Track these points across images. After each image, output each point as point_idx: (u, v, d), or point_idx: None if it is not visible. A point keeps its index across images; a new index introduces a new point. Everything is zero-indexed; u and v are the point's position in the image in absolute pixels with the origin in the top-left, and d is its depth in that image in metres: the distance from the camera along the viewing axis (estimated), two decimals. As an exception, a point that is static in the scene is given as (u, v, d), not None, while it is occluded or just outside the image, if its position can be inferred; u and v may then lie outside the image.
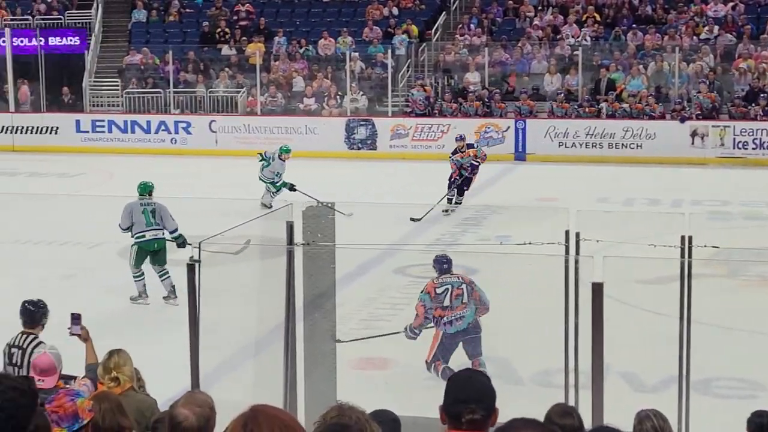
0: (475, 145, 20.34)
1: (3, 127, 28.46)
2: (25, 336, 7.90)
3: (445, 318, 9.82)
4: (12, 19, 31.34)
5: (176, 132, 27.93)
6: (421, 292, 9.97)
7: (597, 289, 6.57)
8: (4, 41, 29.30)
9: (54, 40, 30.06)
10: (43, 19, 31.40)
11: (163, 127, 28.06)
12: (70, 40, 30.17)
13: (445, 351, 9.88)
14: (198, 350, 6.96)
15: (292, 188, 18.90)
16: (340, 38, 29.97)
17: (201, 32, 31.21)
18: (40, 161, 25.45)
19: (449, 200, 19.13)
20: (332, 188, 18.57)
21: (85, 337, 7.73)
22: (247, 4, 31.85)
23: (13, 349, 7.88)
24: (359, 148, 27.13)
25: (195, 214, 15.09)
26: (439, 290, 9.83)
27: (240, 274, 8.36)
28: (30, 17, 31.55)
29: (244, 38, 30.70)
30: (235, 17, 31.57)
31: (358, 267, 13.10)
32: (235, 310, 9.07)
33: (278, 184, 19.18)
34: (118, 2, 33.56)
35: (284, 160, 19.25)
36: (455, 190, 19.09)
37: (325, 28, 30.43)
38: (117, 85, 30.29)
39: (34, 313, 8.04)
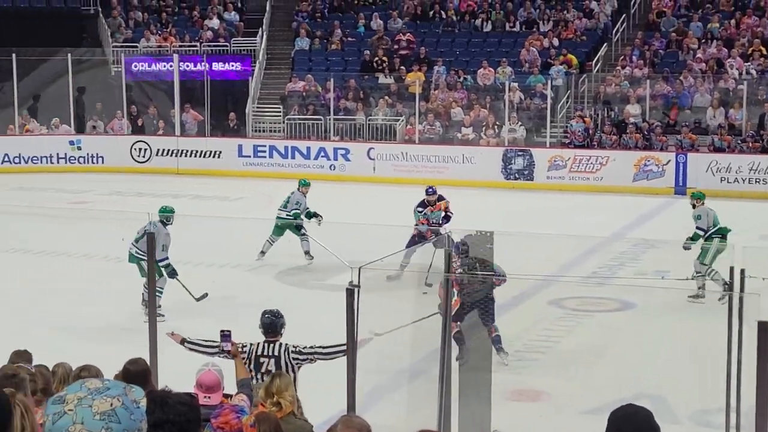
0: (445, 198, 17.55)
1: (169, 150, 29.30)
2: (270, 344, 8.23)
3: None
4: (180, 46, 32.28)
5: (335, 158, 28.30)
6: None
7: (764, 328, 6.38)
8: (172, 66, 30.20)
9: (220, 67, 30.85)
10: (209, 46, 32.26)
11: (322, 154, 28.48)
12: (235, 67, 30.93)
13: (458, 316, 10.55)
14: (355, 374, 7.02)
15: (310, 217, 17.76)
16: (500, 68, 29.94)
17: (362, 60, 31.61)
18: (202, 184, 26.08)
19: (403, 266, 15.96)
20: (488, 217, 18.53)
21: (235, 353, 7.93)
22: (408, 34, 32.14)
23: (263, 359, 8.21)
24: (516, 179, 27.02)
25: (352, 239, 15.26)
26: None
27: (398, 299, 8.41)
28: (197, 44, 32.46)
29: (404, 67, 30.97)
30: (396, 46, 31.89)
31: (512, 298, 13.03)
32: (391, 335, 9.12)
33: (305, 213, 17.86)
34: (282, 30, 34.28)
35: (304, 194, 18.15)
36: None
37: (485, 58, 30.47)
38: (279, 112, 30.91)
39: (275, 323, 8.46)
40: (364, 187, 26.26)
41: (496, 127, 28.37)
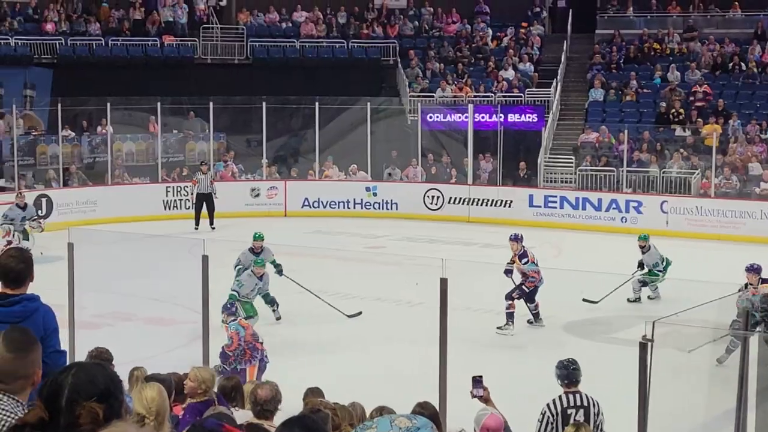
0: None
1: (461, 198, 29.73)
2: (574, 395, 8.26)
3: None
4: (475, 96, 32.82)
5: (626, 211, 27.90)
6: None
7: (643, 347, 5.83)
8: (466, 117, 30.70)
9: (513, 117, 31.10)
10: (504, 97, 32.63)
11: (614, 205, 28.15)
12: (529, 117, 31.10)
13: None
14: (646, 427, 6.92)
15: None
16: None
17: (657, 112, 31.12)
18: (493, 233, 26.26)
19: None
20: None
21: (486, 398, 7.88)
22: (705, 86, 31.41)
23: (569, 410, 8.22)
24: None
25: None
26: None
27: (692, 356, 8.22)
28: (492, 94, 32.90)
29: (700, 119, 30.25)
30: (692, 98, 31.22)
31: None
32: (684, 392, 8.92)
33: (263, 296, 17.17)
34: (576, 81, 34.26)
35: (253, 250, 17.76)
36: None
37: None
38: (571, 162, 30.82)
39: (573, 373, 8.44)
40: (657, 241, 25.72)
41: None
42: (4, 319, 5.38)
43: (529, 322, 17.22)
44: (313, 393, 8.36)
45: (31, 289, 5.70)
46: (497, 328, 16.57)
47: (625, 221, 27.79)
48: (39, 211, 23.81)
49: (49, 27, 33.07)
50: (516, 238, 17.65)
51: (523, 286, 17.00)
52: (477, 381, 7.81)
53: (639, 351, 6.87)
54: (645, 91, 32.54)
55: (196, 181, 27.56)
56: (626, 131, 29.46)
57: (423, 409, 7.40)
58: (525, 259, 17.36)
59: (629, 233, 26.78)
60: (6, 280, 5.57)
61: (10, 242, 21.73)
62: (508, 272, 17.33)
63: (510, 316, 16.70)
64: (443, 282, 9.42)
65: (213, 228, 26.86)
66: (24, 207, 23.25)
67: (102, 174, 29.92)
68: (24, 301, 5.49)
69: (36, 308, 5.52)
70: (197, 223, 27.02)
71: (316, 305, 17.85)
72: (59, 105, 29.25)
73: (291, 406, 7.20)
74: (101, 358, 8.25)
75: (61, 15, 33.62)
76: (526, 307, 17.05)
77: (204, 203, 27.24)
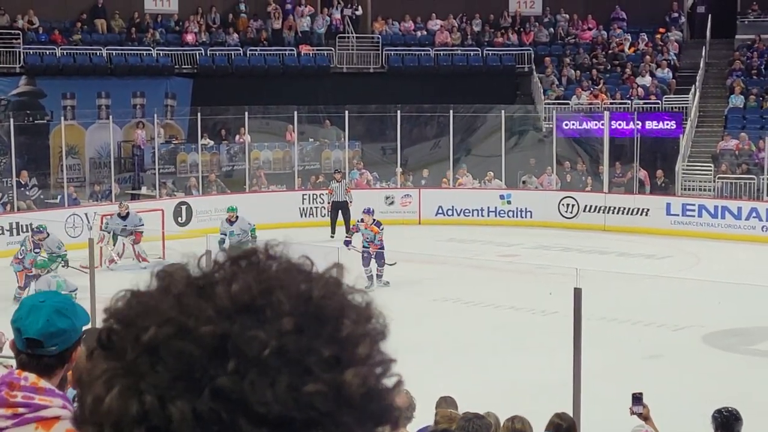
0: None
1: (596, 206, 29.41)
2: None
3: None
4: (611, 103, 32.47)
5: (767, 219, 27.25)
6: None
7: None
8: (602, 124, 30.39)
9: (650, 124, 30.67)
10: (641, 103, 32.22)
11: (754, 214, 27.50)
12: (666, 124, 30.63)
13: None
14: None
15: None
16: None
17: (800, 118, 30.39)
18: (629, 242, 25.98)
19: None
20: None
21: (646, 416, 7.67)
22: None
23: None
24: None
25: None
26: None
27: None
28: (628, 101, 32.50)
29: None
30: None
31: None
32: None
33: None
34: (715, 88, 33.64)
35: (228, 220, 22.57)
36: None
37: None
38: (710, 170, 30.24)
39: (731, 424, 7.81)
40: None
41: None
42: None
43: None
44: (446, 402, 8.39)
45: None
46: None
47: (766, 230, 27.14)
48: (140, 221, 23.80)
49: (190, 38, 33.88)
50: (368, 211, 21.55)
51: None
52: (637, 398, 7.59)
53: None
54: (787, 95, 31.79)
55: (332, 190, 27.88)
56: (767, 138, 28.77)
57: (561, 420, 7.36)
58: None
59: (770, 243, 26.25)
60: None
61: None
62: (348, 243, 21.06)
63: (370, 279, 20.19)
64: (577, 292, 9.37)
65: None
66: (126, 216, 23.51)
67: (240, 182, 30.50)
68: None
69: None
70: (333, 231, 27.30)
71: (445, 309, 17.92)
72: (199, 114, 29.97)
73: (422, 415, 7.20)
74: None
75: (201, 26, 34.42)
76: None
77: (339, 211, 27.52)
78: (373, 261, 20.82)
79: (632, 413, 7.64)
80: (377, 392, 1.07)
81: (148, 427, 1.02)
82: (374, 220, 21.46)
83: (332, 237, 27.00)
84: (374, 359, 1.08)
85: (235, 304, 1.06)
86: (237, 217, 22.56)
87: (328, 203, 28.12)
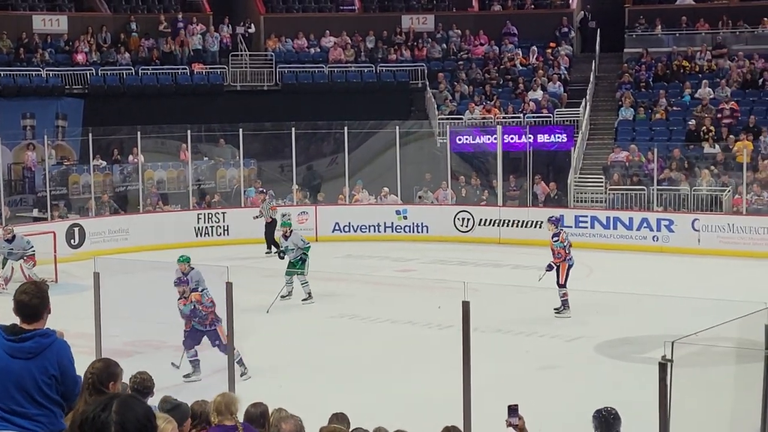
0: None
1: (491, 220, 29.68)
2: None
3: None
4: (504, 117, 32.83)
5: (658, 230, 27.75)
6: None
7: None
8: (496, 138, 30.68)
9: (542, 137, 31.05)
10: (533, 117, 32.61)
11: (645, 224, 28.00)
12: (558, 137, 31.04)
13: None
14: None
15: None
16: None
17: (687, 130, 31.00)
18: (524, 254, 26.22)
19: None
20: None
21: (521, 427, 7.73)
22: (732, 102, 31.29)
23: None
24: None
25: (666, 311, 14.92)
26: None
27: (714, 376, 8.17)
28: (521, 115, 32.88)
29: (731, 136, 30.10)
30: (719, 115, 31.09)
31: None
32: (706, 412, 8.86)
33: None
34: (605, 101, 34.20)
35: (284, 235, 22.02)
36: None
37: (819, 126, 29.18)
38: (601, 182, 30.72)
39: (610, 423, 8.09)
40: (688, 259, 25.63)
41: (830, 198, 27.02)
42: (16, 354, 5.42)
43: (555, 310, 18.54)
44: (338, 418, 8.36)
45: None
46: (554, 309, 18.67)
47: (657, 240, 27.66)
48: (28, 244, 23.46)
49: (80, 57, 33.41)
50: (551, 220, 20.63)
51: (551, 263, 19.32)
52: (513, 409, 7.63)
53: (659, 372, 6.84)
54: (674, 108, 32.44)
55: (262, 210, 27.90)
56: (656, 149, 29.33)
57: (253, 407, 7.59)
58: (555, 238, 19.59)
59: (660, 252, 26.75)
60: (22, 315, 5.58)
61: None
62: (550, 268, 19.50)
63: (565, 303, 18.83)
64: (465, 305, 9.41)
65: (267, 253, 27.09)
66: (11, 240, 23.14)
67: (134, 202, 30.13)
68: (36, 337, 5.46)
69: (49, 344, 5.48)
70: (269, 247, 27.51)
71: (342, 326, 17.90)
72: (90, 135, 29.53)
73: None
74: (144, 385, 8.27)
75: (91, 45, 33.96)
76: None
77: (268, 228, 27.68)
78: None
79: (508, 425, 7.68)
80: None
81: None
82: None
83: (268, 253, 27.19)
84: None
85: None
86: (291, 231, 22.05)
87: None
